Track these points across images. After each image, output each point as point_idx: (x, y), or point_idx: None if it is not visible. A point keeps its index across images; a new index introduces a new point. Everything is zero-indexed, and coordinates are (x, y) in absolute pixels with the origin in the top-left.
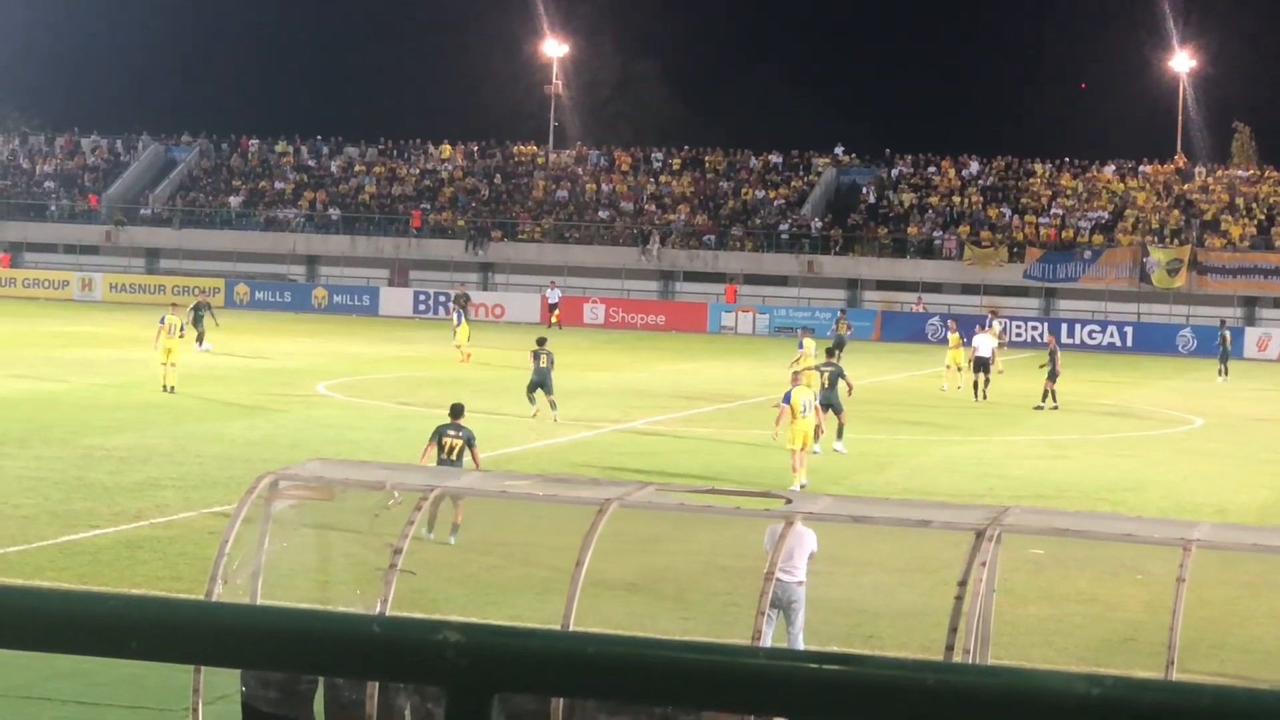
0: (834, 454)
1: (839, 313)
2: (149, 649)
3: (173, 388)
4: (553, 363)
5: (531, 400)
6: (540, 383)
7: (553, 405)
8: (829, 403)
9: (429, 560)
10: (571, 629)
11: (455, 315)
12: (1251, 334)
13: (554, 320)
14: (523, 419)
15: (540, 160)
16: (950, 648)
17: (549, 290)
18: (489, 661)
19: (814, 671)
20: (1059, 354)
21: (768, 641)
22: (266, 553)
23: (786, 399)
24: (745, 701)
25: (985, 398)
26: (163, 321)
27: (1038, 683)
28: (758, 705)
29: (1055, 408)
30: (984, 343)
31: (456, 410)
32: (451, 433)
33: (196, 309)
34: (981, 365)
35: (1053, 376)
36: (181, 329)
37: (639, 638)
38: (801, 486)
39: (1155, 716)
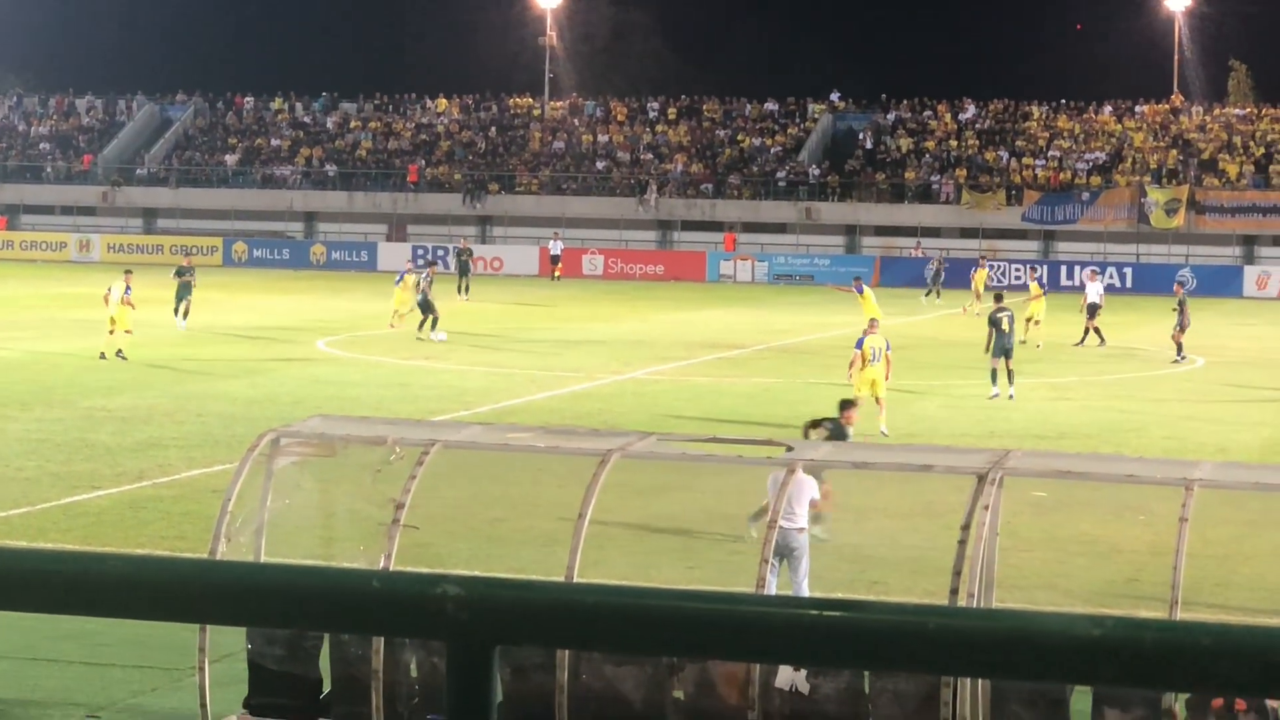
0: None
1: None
2: (153, 609)
3: (119, 353)
4: None
5: None
6: None
7: None
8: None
9: (432, 515)
10: (575, 580)
11: (439, 274)
12: (1251, 272)
13: (556, 273)
14: (521, 371)
15: (536, 112)
16: (954, 592)
17: (552, 242)
18: (488, 614)
19: (815, 618)
20: (1188, 304)
21: (773, 590)
22: (269, 510)
23: (859, 344)
24: (746, 649)
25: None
26: (118, 290)
27: (1039, 625)
28: (758, 653)
29: (1181, 359)
30: (1094, 289)
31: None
32: None
33: (181, 276)
34: (1094, 311)
35: (1182, 328)
36: (127, 291)
37: (638, 587)
38: (883, 434)
39: (1156, 656)
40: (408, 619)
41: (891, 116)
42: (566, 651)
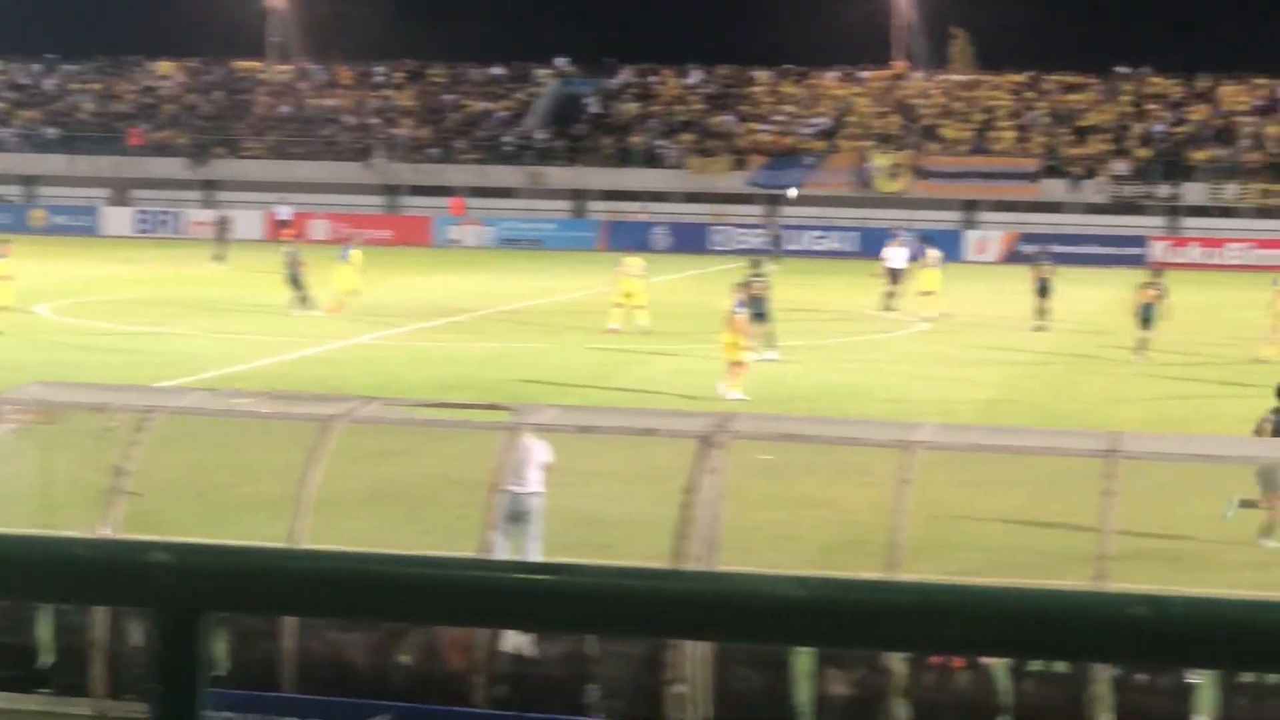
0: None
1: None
2: None
3: None
4: None
5: None
6: None
7: None
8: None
9: (156, 482)
10: (301, 546)
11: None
12: (972, 236)
13: (284, 237)
14: (251, 337)
15: (262, 76)
16: (679, 554)
17: (279, 208)
18: (197, 581)
19: (523, 581)
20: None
21: (503, 554)
22: None
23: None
24: (459, 613)
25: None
26: None
27: (747, 586)
28: (472, 617)
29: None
30: (896, 255)
31: None
32: None
33: None
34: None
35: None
36: None
37: (351, 553)
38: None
39: (860, 615)
40: (114, 587)
41: (618, 81)
42: (294, 618)
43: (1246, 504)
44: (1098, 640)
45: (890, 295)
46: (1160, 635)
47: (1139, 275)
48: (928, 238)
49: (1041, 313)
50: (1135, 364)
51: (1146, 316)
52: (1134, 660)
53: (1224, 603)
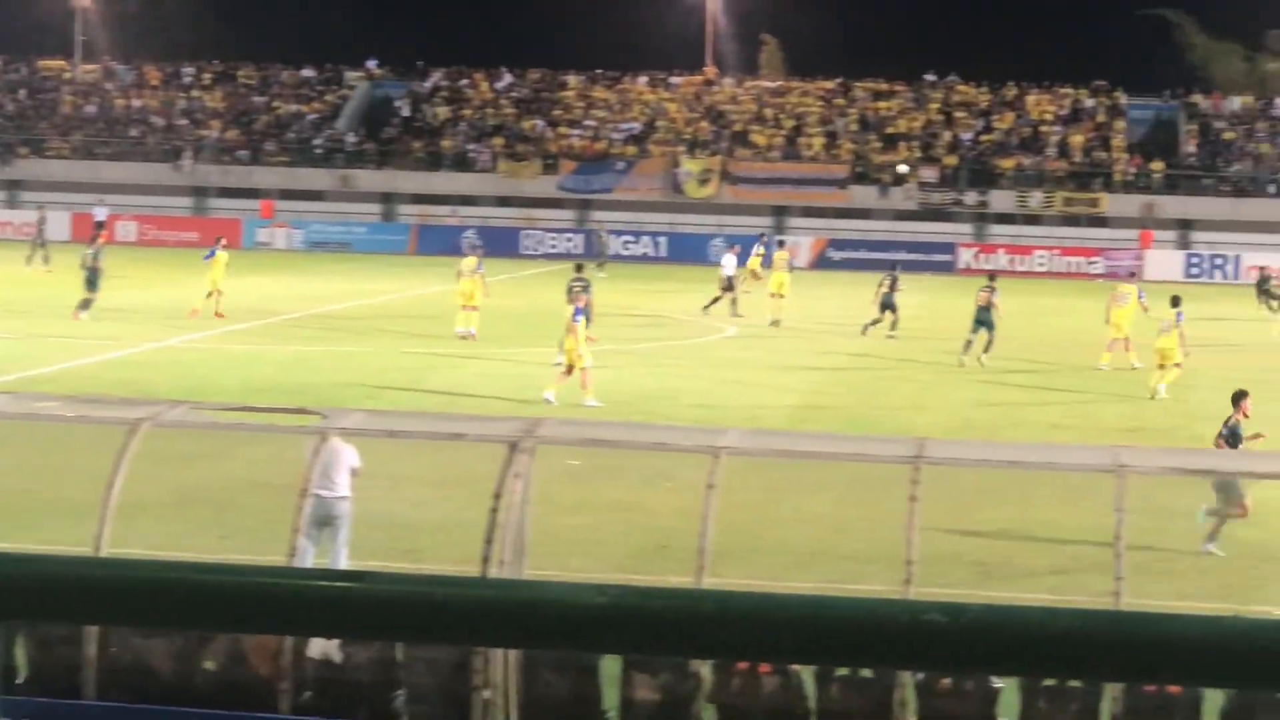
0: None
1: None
2: None
3: None
4: None
5: None
6: None
7: None
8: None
9: None
10: (104, 553)
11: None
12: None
13: (98, 239)
14: (56, 339)
15: (68, 75)
16: (486, 559)
17: (97, 208)
18: None
19: (326, 589)
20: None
21: (309, 559)
22: None
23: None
24: (263, 621)
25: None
26: None
27: (548, 594)
28: (276, 625)
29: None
30: (729, 262)
31: None
32: None
33: None
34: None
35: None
36: None
37: (153, 560)
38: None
39: (661, 622)
40: None
41: (429, 84)
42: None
43: (1213, 513)
44: (895, 646)
45: (734, 302)
46: (956, 641)
47: (954, 280)
48: (780, 241)
49: (892, 323)
50: (955, 368)
51: (982, 320)
52: (931, 667)
53: (1018, 610)
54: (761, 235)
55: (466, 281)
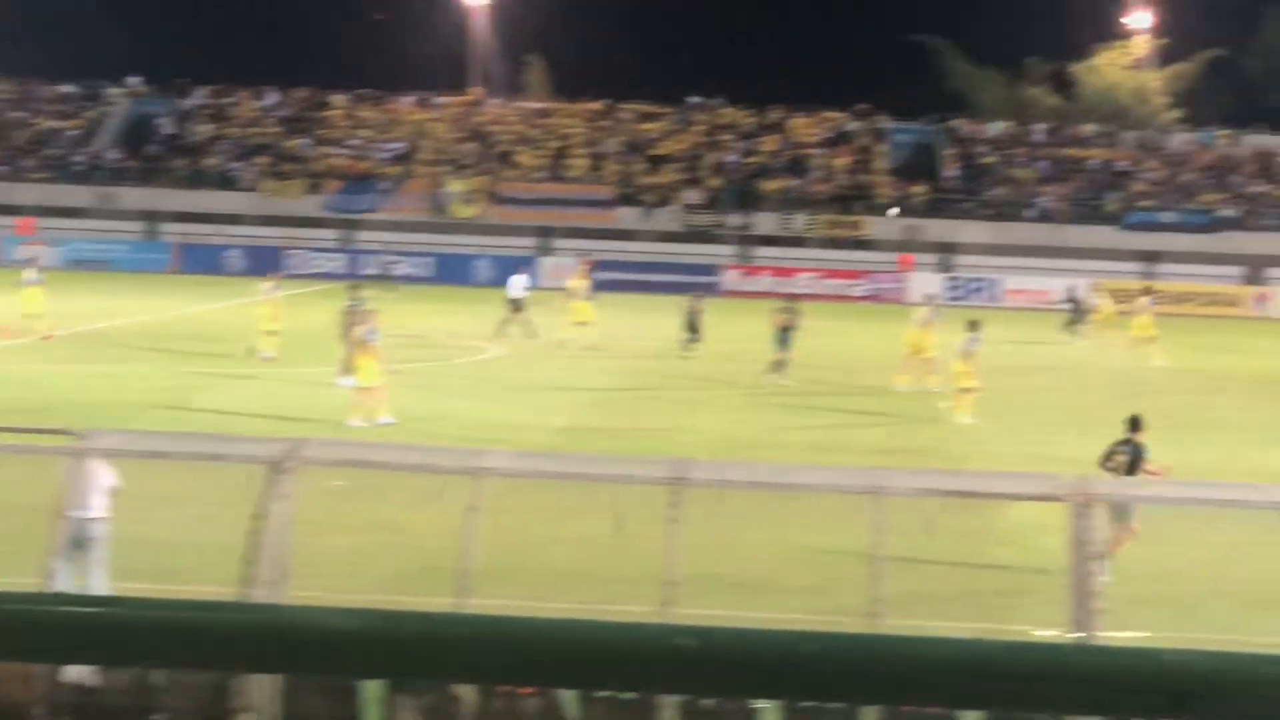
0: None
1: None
2: None
3: None
4: None
5: None
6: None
7: None
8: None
9: None
10: None
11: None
12: (546, 263)
13: None
14: None
15: None
16: (247, 581)
17: None
18: None
19: (78, 616)
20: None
21: (65, 581)
22: None
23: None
24: (12, 649)
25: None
26: None
27: (294, 618)
28: (26, 653)
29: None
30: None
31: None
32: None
33: None
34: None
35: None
36: None
37: None
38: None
39: (415, 645)
40: None
41: (192, 102)
42: None
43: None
44: (648, 669)
45: (527, 324)
46: (707, 663)
47: (774, 301)
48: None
49: (689, 343)
50: (719, 388)
51: (783, 340)
52: (683, 689)
53: (768, 633)
54: (580, 259)
55: (265, 305)
